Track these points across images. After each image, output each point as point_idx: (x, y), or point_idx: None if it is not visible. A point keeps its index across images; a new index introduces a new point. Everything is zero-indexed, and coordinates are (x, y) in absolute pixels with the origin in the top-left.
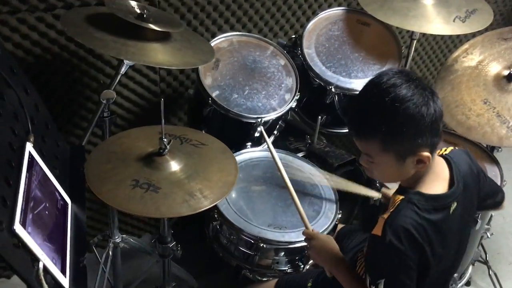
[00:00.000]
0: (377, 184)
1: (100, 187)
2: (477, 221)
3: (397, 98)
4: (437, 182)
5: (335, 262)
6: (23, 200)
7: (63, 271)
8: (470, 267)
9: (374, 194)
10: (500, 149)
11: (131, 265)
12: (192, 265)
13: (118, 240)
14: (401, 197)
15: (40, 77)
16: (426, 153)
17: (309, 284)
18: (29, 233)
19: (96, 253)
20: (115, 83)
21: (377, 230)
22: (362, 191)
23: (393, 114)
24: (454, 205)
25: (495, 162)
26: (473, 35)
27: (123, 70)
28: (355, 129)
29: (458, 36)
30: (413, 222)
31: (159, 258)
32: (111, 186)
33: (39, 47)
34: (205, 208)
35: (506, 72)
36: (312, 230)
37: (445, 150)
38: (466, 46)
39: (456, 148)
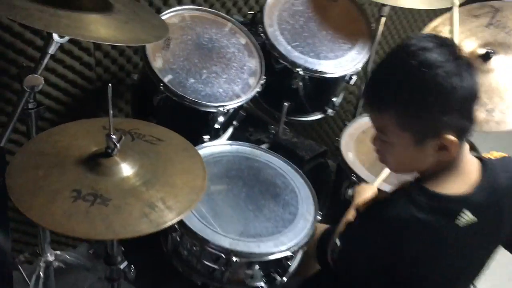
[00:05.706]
0: (352, 178)
1: (29, 202)
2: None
3: (425, 62)
4: (457, 184)
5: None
6: None
7: None
8: None
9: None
10: None
11: (67, 281)
12: (143, 278)
13: (51, 258)
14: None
15: None
16: (452, 137)
17: None
18: None
19: (23, 272)
20: (43, 66)
21: (364, 206)
22: None
23: (418, 80)
24: (467, 216)
25: (473, 148)
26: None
27: (52, 49)
28: (371, 96)
29: (427, 14)
30: (398, 217)
31: (101, 275)
32: (44, 200)
33: None
34: (170, 222)
35: (481, 51)
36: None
37: (493, 154)
38: (434, 23)
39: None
